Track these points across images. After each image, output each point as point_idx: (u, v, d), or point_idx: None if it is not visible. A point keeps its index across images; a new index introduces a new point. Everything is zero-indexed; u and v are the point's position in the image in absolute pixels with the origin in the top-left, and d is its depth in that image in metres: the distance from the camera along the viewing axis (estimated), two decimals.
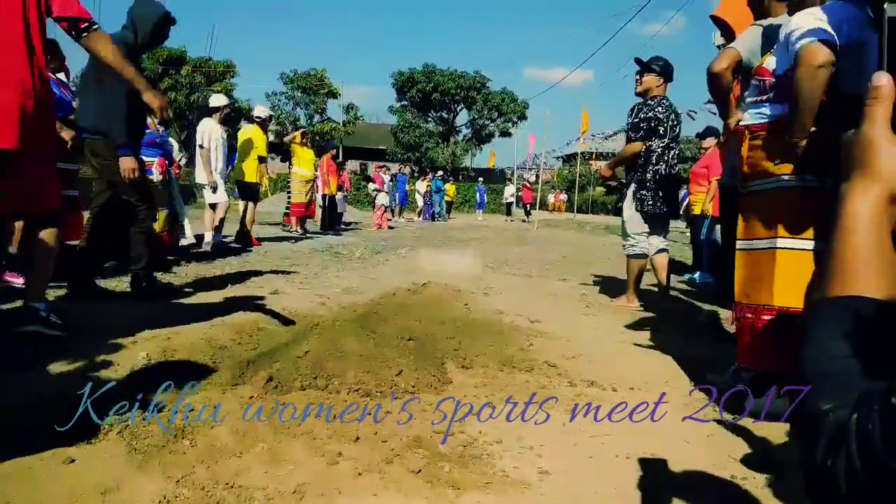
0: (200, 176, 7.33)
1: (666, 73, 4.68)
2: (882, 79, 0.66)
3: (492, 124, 41.26)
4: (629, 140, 4.71)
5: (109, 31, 3.32)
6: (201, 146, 7.19)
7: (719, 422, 2.47)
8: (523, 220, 23.89)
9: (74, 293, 4.03)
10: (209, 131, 7.26)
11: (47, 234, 2.80)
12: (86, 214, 4.54)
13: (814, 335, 0.60)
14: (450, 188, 24.81)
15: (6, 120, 2.36)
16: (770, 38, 2.92)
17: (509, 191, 27.53)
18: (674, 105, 4.67)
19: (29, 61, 2.42)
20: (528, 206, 26.87)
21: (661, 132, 4.54)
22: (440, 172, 25.93)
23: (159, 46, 4.07)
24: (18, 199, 2.61)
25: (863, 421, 0.47)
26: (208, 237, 7.23)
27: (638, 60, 4.72)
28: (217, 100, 7.65)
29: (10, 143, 2.39)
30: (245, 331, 3.26)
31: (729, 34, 3.75)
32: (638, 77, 4.74)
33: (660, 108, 4.57)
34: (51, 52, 4.67)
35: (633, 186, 4.68)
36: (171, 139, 5.93)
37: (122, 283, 4.45)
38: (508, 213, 26.89)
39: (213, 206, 7.34)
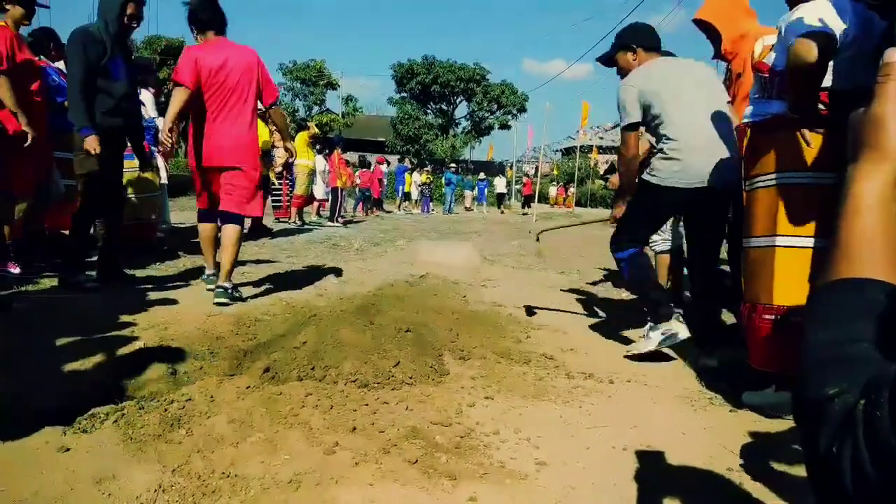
0: None
1: None
2: (894, 55, 0.64)
3: (491, 116, 41.15)
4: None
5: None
6: None
7: (717, 414, 2.48)
8: (524, 214, 24.06)
9: (104, 279, 4.08)
10: None
11: (229, 233, 3.87)
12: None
13: (818, 318, 0.58)
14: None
15: (248, 152, 3.83)
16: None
17: (501, 182, 27.93)
18: None
19: (253, 125, 3.89)
20: (527, 198, 27.05)
21: None
22: (453, 166, 26.11)
23: (138, 27, 4.00)
24: (231, 201, 3.84)
25: (871, 407, 0.46)
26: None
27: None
28: None
29: (250, 166, 3.87)
30: (242, 321, 3.25)
31: (714, 36, 3.71)
32: None
33: None
34: (52, 41, 4.67)
35: None
36: (157, 121, 5.83)
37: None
38: (500, 204, 27.19)
39: None
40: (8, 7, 3.97)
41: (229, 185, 3.83)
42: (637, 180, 3.20)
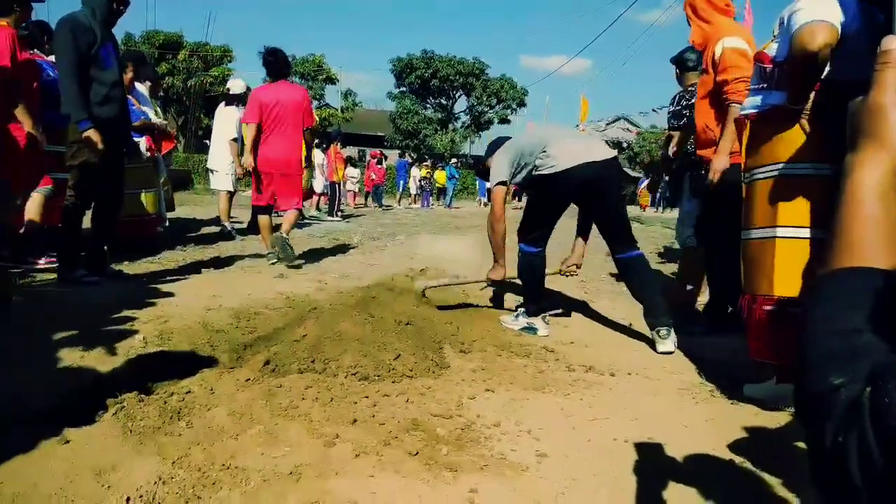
0: (216, 163, 7.29)
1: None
2: (892, 43, 0.63)
3: (491, 111, 41.03)
4: (671, 128, 4.57)
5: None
6: (236, 139, 7.10)
7: (718, 406, 2.47)
8: (514, 209, 24.36)
9: (93, 273, 4.02)
10: (236, 121, 7.16)
11: (290, 215, 5.22)
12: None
13: (819, 308, 0.57)
14: (440, 175, 24.83)
15: (295, 163, 5.17)
16: None
17: None
18: None
19: (299, 143, 5.20)
20: (516, 192, 27.55)
21: None
22: (454, 160, 26.34)
23: (125, 12, 3.99)
24: (284, 198, 5.18)
25: (878, 395, 0.45)
26: (228, 225, 7.18)
27: (674, 61, 4.57)
28: (238, 86, 7.53)
29: (296, 173, 5.21)
30: (242, 314, 3.24)
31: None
32: (678, 73, 4.57)
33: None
34: (46, 34, 4.65)
35: (687, 175, 4.43)
36: (147, 109, 5.83)
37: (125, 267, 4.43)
38: (489, 197, 27.48)
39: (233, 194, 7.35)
40: (17, 9, 3.95)
41: (284, 186, 5.16)
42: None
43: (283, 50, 5.32)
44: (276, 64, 5.20)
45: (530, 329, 3.51)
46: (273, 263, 4.95)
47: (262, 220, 5.26)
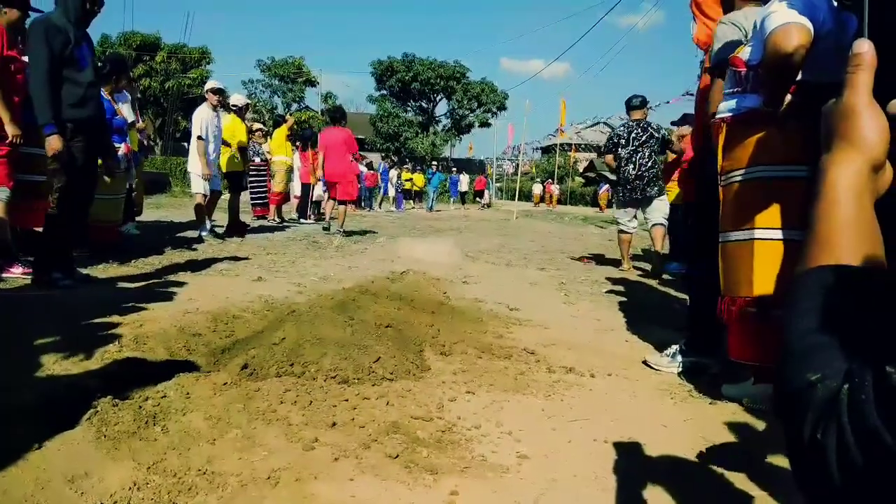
0: (193, 165, 7.18)
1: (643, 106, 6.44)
2: (864, 45, 0.64)
3: (471, 115, 41.18)
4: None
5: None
6: (200, 137, 7.02)
7: (696, 406, 2.49)
8: (480, 208, 27.41)
9: (64, 276, 3.92)
10: (205, 120, 7.11)
11: (342, 207, 8.74)
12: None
13: (798, 306, 0.58)
14: (418, 178, 24.88)
15: (351, 179, 8.78)
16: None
17: (465, 179, 29.66)
18: (643, 123, 6.27)
19: (348, 162, 8.74)
20: (478, 193, 30.50)
21: (623, 143, 6.28)
22: (435, 163, 26.87)
23: (100, 12, 3.95)
24: (342, 195, 8.69)
25: (855, 392, 0.45)
26: (207, 226, 7.09)
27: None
28: (209, 84, 7.53)
29: (347, 179, 8.71)
30: (220, 318, 3.20)
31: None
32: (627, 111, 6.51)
33: (621, 128, 6.45)
34: (20, 35, 4.57)
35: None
36: (140, 123, 5.76)
37: (103, 270, 4.36)
38: (463, 201, 29.22)
39: (207, 197, 7.27)
40: (6, 11, 3.88)
41: (340, 187, 8.51)
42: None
43: (341, 106, 10.32)
44: (335, 116, 8.92)
45: (690, 368, 2.89)
46: (329, 233, 8.26)
47: (339, 208, 8.65)
